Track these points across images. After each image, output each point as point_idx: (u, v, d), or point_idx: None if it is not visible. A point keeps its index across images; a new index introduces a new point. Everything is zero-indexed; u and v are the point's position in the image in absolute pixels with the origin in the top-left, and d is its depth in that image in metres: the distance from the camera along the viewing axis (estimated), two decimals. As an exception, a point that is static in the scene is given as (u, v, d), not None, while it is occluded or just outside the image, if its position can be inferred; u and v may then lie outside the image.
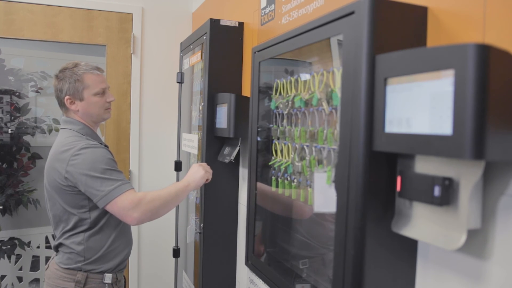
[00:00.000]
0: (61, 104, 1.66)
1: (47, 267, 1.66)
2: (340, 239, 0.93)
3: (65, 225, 1.56)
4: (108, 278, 1.58)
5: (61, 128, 1.67)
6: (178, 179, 2.54)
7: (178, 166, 2.51)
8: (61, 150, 1.54)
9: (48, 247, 3.02)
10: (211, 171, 1.73)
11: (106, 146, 1.68)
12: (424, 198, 0.80)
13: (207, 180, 1.72)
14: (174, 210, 2.62)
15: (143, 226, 2.91)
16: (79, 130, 1.62)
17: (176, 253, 2.48)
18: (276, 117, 1.44)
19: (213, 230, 1.96)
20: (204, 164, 1.75)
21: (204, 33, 1.95)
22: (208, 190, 1.94)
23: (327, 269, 1.24)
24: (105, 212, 1.56)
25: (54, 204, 1.58)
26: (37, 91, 2.98)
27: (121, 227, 1.65)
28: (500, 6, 0.77)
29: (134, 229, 2.77)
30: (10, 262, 2.86)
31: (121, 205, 1.46)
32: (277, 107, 1.41)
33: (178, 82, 2.50)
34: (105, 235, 1.59)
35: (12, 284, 2.86)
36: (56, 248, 1.62)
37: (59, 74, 1.64)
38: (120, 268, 1.65)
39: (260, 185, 1.51)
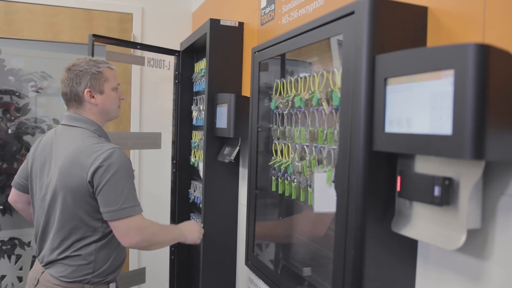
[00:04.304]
0: (76, 98, 1.54)
1: (37, 283, 1.50)
2: (340, 239, 0.93)
3: (77, 235, 1.46)
4: (113, 287, 1.55)
5: (71, 126, 1.53)
6: (177, 179, 2.54)
7: (177, 166, 2.51)
8: (84, 152, 1.43)
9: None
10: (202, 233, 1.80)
11: None
12: (424, 198, 0.80)
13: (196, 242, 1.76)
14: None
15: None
16: (95, 131, 1.52)
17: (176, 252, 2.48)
18: (276, 117, 1.44)
19: (213, 230, 1.96)
20: (202, 231, 1.80)
21: (204, 33, 1.95)
22: (208, 190, 1.94)
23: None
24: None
25: (67, 212, 1.45)
26: (37, 91, 2.98)
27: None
28: (500, 6, 0.77)
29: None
30: (10, 262, 2.86)
31: (128, 225, 1.42)
32: (277, 107, 1.41)
33: (178, 82, 2.50)
34: (113, 245, 1.52)
35: (12, 284, 2.86)
36: (53, 262, 1.48)
37: (73, 68, 1.54)
38: (118, 273, 1.60)
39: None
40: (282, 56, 1.44)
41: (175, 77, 2.53)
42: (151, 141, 2.48)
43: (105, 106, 1.56)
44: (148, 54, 2.55)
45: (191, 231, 1.70)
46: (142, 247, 1.51)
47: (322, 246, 1.30)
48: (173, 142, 2.58)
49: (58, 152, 1.49)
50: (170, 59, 2.57)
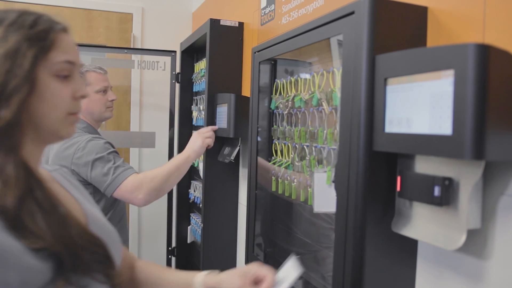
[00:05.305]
0: None
1: None
2: (340, 239, 0.93)
3: None
4: None
5: None
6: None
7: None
8: (65, 147, 1.55)
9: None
10: (211, 136, 1.73)
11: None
12: (424, 198, 0.80)
13: (208, 146, 1.73)
14: (174, 210, 2.61)
15: (143, 225, 2.91)
16: (82, 129, 1.64)
17: (175, 252, 2.48)
18: (276, 117, 1.44)
19: (213, 230, 1.96)
20: (203, 130, 1.75)
21: (204, 33, 1.95)
22: (208, 190, 1.94)
23: (320, 266, 1.25)
24: (107, 210, 1.60)
25: None
26: (37, 91, 2.98)
27: (120, 225, 1.69)
28: (500, 6, 0.77)
29: (134, 229, 2.78)
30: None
31: (125, 189, 1.49)
32: (277, 107, 1.41)
33: (177, 82, 2.50)
34: None
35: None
36: None
37: None
38: None
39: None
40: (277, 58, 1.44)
41: (172, 77, 2.54)
42: (146, 140, 2.52)
43: (88, 109, 1.67)
44: (143, 57, 2.56)
45: (192, 144, 1.69)
46: (156, 197, 1.54)
47: (316, 242, 1.31)
48: (170, 142, 2.59)
49: (52, 151, 1.64)
50: (166, 60, 2.57)
